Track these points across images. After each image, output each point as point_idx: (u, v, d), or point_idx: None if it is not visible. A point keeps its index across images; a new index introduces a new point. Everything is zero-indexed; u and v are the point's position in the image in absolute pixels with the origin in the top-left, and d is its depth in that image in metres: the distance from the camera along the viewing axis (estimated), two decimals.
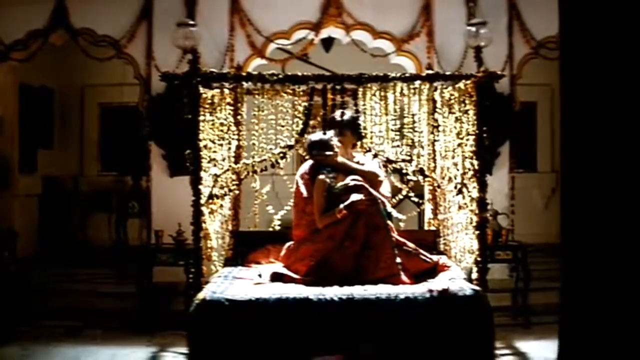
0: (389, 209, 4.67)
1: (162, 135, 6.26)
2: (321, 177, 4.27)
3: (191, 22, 6.07)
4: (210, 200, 4.28)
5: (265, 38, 6.35)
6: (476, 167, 4.17)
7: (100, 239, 8.02)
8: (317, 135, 4.45)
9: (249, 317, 3.59)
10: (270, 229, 5.14)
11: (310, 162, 4.48)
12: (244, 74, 5.30)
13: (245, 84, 4.56)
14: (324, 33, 6.57)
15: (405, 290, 3.77)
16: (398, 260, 4.16)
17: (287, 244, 4.40)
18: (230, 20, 6.35)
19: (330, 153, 4.33)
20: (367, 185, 4.24)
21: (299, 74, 4.47)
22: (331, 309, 3.59)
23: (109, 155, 9.27)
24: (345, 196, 4.19)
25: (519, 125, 7.00)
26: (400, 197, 5.30)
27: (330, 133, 4.43)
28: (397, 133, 4.75)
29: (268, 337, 3.59)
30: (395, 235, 4.32)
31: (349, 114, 4.57)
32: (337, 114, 4.57)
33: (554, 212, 8.31)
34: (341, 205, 4.15)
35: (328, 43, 7.32)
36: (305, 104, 4.57)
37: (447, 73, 5.09)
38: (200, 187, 4.13)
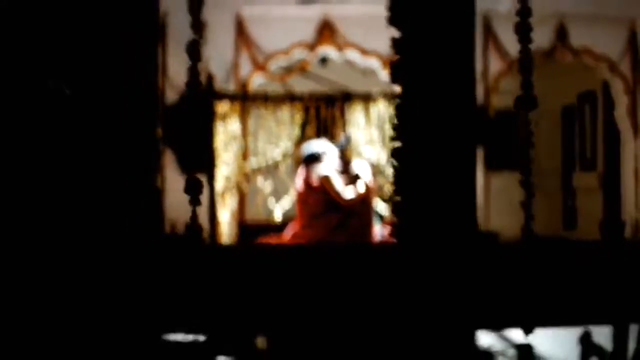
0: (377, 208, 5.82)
1: (175, 140, 7.41)
2: (324, 172, 5.26)
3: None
4: (222, 194, 5.46)
5: (266, 56, 7.53)
6: None
7: None
8: (308, 146, 5.42)
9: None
10: (271, 220, 6.25)
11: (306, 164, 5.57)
12: (249, 90, 6.50)
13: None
14: (319, 51, 7.75)
15: None
16: None
17: (291, 224, 5.36)
18: (236, 40, 7.52)
19: (319, 163, 5.43)
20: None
21: (297, 88, 5.64)
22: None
23: None
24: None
25: (495, 131, 8.25)
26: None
27: (322, 143, 5.53)
28: (379, 139, 5.88)
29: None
30: (379, 228, 5.46)
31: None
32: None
33: (535, 207, 9.48)
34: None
35: (324, 58, 8.49)
36: (302, 114, 5.73)
37: None
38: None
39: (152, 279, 2.37)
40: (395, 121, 2.04)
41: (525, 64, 2.44)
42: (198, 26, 2.55)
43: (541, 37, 7.98)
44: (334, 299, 2.26)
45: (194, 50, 2.48)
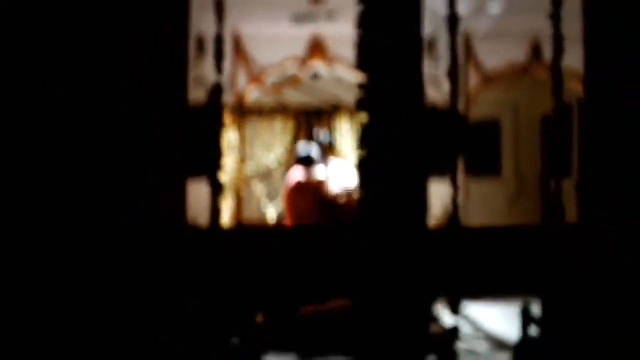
0: None
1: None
2: (321, 177, 5.98)
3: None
4: (222, 196, 6.20)
5: (261, 70, 8.32)
6: None
7: None
8: (303, 149, 6.26)
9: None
10: (265, 220, 7.07)
11: (298, 167, 6.31)
12: (246, 102, 7.29)
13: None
14: (311, 65, 8.54)
15: None
16: None
17: (285, 222, 6.04)
18: (233, 56, 8.31)
19: (313, 166, 6.17)
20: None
21: (291, 100, 6.39)
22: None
23: None
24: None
25: (476, 139, 9.10)
26: None
27: (314, 147, 6.26)
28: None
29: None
30: None
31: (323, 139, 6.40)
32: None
33: (517, 211, 10.25)
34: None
35: (316, 74, 9.28)
36: (294, 125, 6.51)
37: None
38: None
39: (180, 260, 3.12)
40: (361, 137, 2.85)
41: (452, 101, 3.27)
42: (220, 69, 3.32)
43: (518, 54, 8.81)
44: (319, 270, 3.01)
45: (217, 93, 3.27)
